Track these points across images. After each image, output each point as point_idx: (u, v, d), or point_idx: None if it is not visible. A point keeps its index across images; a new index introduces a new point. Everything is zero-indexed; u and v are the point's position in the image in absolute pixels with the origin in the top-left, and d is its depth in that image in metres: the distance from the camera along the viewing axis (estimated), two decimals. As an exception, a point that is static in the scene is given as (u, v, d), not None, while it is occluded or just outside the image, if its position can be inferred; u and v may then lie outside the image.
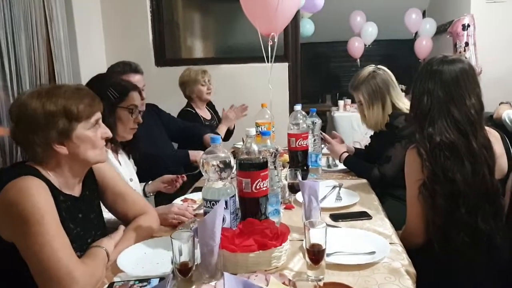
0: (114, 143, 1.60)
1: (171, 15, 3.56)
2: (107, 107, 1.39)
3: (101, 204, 1.29)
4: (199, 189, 1.77)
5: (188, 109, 2.79)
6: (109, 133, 1.18)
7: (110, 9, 3.31)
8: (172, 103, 2.88)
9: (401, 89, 1.98)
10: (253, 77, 3.16)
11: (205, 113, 2.86)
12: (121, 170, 1.60)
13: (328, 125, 4.62)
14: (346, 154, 1.98)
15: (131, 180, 1.65)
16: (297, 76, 3.23)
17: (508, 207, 1.42)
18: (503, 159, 1.39)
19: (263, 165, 1.20)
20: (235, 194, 1.18)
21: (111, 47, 3.32)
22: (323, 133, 2.07)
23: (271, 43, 2.11)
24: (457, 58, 1.39)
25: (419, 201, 1.35)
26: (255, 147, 1.24)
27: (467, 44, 3.87)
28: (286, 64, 3.22)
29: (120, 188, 1.30)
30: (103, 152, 1.17)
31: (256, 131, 2.04)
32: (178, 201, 1.60)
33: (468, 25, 3.86)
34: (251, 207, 1.21)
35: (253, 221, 1.16)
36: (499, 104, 2.49)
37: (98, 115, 1.15)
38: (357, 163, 1.95)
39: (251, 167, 1.19)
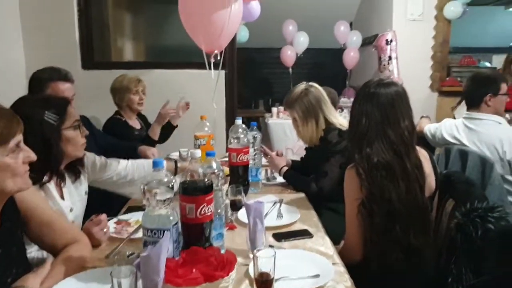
0: (59, 176, 1.42)
1: (101, 14, 3.32)
2: (51, 134, 1.30)
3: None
4: (133, 209, 1.67)
5: (117, 116, 2.63)
6: (32, 156, 1.04)
7: (30, 2, 2.99)
8: (99, 110, 2.69)
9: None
10: (191, 84, 3.07)
11: (134, 123, 2.70)
12: (62, 204, 1.44)
13: (261, 132, 4.68)
14: (286, 168, 2.01)
15: (71, 210, 1.48)
16: (234, 84, 3.21)
17: (434, 223, 1.54)
18: (431, 178, 1.49)
19: (208, 189, 1.16)
20: (177, 221, 1.12)
21: (30, 45, 3.00)
22: (264, 147, 2.07)
23: (214, 60, 2.06)
24: (392, 81, 1.47)
25: (358, 219, 1.41)
26: (199, 170, 1.19)
27: (390, 58, 4.14)
28: (223, 72, 3.18)
29: (47, 217, 1.16)
30: (25, 178, 1.03)
31: (195, 145, 2.00)
32: (111, 223, 1.49)
33: (391, 40, 4.13)
34: (195, 233, 1.15)
35: (197, 249, 1.11)
36: (420, 118, 2.68)
37: (19, 137, 1.01)
38: (296, 177, 1.98)
39: (196, 191, 1.14)
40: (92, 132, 2.27)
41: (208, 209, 1.15)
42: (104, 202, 1.72)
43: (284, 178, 2.01)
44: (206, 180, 1.18)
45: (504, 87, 2.11)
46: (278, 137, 4.17)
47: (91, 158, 1.66)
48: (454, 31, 4.70)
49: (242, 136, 1.76)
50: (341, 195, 1.49)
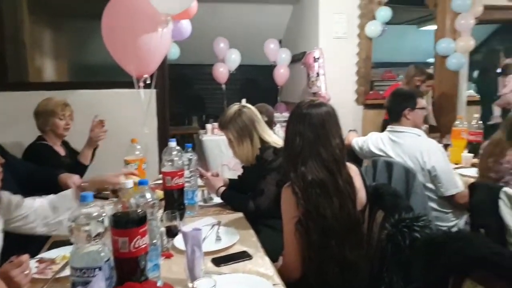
0: None
1: (16, 30, 3.07)
2: None
3: None
4: (57, 244, 1.54)
5: (43, 142, 2.43)
6: None
7: None
8: (16, 135, 2.47)
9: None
10: (119, 104, 2.93)
11: (59, 149, 2.52)
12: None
13: (196, 149, 4.60)
14: (223, 188, 1.99)
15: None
16: (166, 103, 3.13)
17: (366, 234, 1.61)
18: (362, 192, 1.55)
19: (142, 220, 1.10)
20: (110, 257, 1.05)
21: None
22: (200, 168, 2.04)
23: (143, 84, 1.99)
24: (322, 102, 1.53)
25: (296, 237, 1.43)
26: (132, 200, 1.13)
27: (318, 74, 4.33)
28: (154, 91, 3.10)
29: None
30: None
31: (126, 170, 1.90)
32: (32, 262, 1.35)
33: (318, 57, 4.33)
34: (129, 268, 1.08)
35: (133, 285, 1.04)
36: (348, 132, 2.82)
37: None
38: (233, 197, 1.97)
39: (129, 223, 1.08)
40: (8, 160, 2.07)
41: (143, 241, 1.09)
42: (24, 240, 1.55)
43: (221, 199, 1.99)
44: (139, 211, 1.12)
45: (420, 102, 2.30)
46: (214, 153, 4.14)
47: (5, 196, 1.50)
48: (375, 48, 5.06)
49: (176, 158, 1.71)
50: (278, 212, 1.51)
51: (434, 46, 4.81)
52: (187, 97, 6.75)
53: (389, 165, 2.25)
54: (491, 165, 2.16)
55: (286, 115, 4.50)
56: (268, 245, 1.56)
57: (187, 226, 1.63)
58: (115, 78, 2.94)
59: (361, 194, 1.54)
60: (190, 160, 1.87)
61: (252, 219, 1.84)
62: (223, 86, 5.11)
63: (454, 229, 2.24)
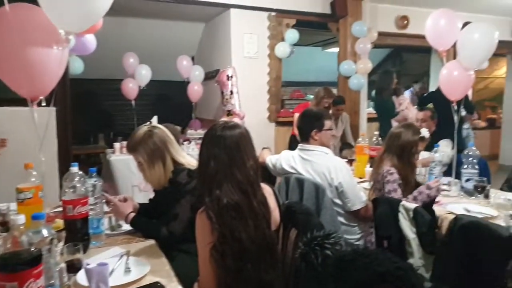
0: None
1: None
2: None
3: None
4: None
5: None
6: None
7: None
8: None
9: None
10: (11, 124, 2.62)
11: None
12: None
13: (103, 169, 4.28)
14: (132, 215, 1.86)
15: None
16: (67, 122, 2.88)
17: (281, 253, 1.62)
18: (276, 212, 1.57)
19: (36, 260, 0.97)
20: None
21: None
22: (106, 194, 1.88)
23: (36, 107, 1.79)
24: (236, 124, 1.52)
25: (211, 263, 1.38)
26: (23, 238, 0.99)
27: (232, 92, 4.38)
28: (53, 109, 2.83)
29: None
30: None
31: (18, 199, 1.69)
32: None
33: (232, 76, 4.38)
34: (19, 318, 0.94)
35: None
36: (262, 149, 2.87)
37: None
38: (144, 224, 1.85)
39: (19, 265, 0.94)
40: None
41: (37, 284, 0.96)
42: None
43: (131, 226, 1.86)
44: (33, 249, 0.98)
45: (328, 123, 2.42)
46: (123, 174, 3.88)
47: None
48: (285, 67, 5.29)
49: (79, 185, 1.57)
50: (193, 235, 1.45)
51: (337, 67, 5.19)
52: (93, 113, 6.31)
53: (301, 182, 2.32)
54: (374, 177, 2.38)
55: (201, 132, 4.46)
56: (183, 271, 1.49)
57: (92, 258, 1.50)
58: (6, 94, 2.63)
59: (275, 214, 1.55)
60: (94, 186, 1.73)
61: (165, 246, 1.75)
62: (133, 102, 4.89)
63: (361, 241, 2.39)
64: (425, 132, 2.21)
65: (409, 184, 2.27)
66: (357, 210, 2.30)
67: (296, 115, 4.21)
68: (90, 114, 6.19)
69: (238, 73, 4.46)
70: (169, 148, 1.89)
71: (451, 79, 2.69)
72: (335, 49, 5.57)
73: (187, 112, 5.41)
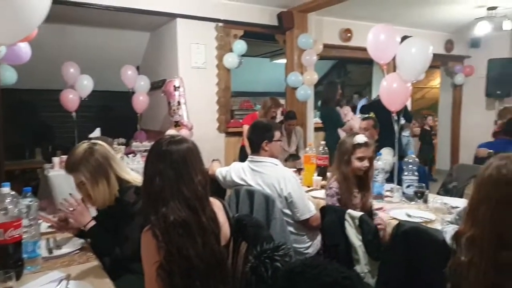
0: None
1: None
2: None
3: None
4: None
5: None
6: None
7: None
8: None
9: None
10: None
11: None
12: None
13: (41, 186, 4.01)
14: (93, 223, 1.76)
15: None
16: (-1, 135, 2.66)
17: (232, 267, 1.60)
18: (226, 226, 1.54)
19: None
20: None
21: None
22: (42, 213, 1.75)
23: None
24: (182, 138, 1.48)
25: (158, 282, 1.33)
26: None
27: (179, 103, 4.30)
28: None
29: None
30: None
31: None
32: None
33: (179, 86, 4.31)
34: None
35: None
36: (211, 161, 2.83)
37: None
38: (102, 236, 1.76)
39: None
40: None
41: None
42: None
43: (88, 234, 1.75)
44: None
45: (277, 134, 2.45)
46: (63, 190, 3.62)
47: None
48: (234, 78, 5.31)
49: (11, 206, 1.44)
50: (140, 255, 1.39)
51: (285, 78, 5.29)
52: (28, 126, 5.89)
53: (251, 194, 2.32)
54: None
55: (147, 144, 4.33)
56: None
57: (26, 286, 1.39)
58: None
59: (225, 229, 1.53)
60: (29, 206, 1.60)
61: (112, 264, 1.67)
62: (74, 114, 4.64)
63: (310, 250, 2.42)
64: (359, 138, 2.18)
65: (349, 198, 2.22)
66: (306, 219, 2.34)
67: (245, 126, 4.23)
68: (25, 126, 5.79)
69: (185, 83, 4.40)
70: (112, 164, 1.80)
71: (390, 90, 2.83)
72: (283, 61, 5.68)
73: (132, 124, 5.24)
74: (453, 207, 2.36)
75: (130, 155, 4.15)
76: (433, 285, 1.61)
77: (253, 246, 1.53)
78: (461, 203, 2.54)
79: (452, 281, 1.37)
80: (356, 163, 2.18)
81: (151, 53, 5.61)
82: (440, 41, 6.88)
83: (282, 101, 5.64)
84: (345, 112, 5.19)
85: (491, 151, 3.59)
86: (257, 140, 2.41)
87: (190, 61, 4.67)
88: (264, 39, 5.82)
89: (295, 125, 4.60)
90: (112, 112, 6.46)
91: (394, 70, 3.02)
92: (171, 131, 4.27)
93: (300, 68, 5.17)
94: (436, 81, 8.97)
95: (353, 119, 5.10)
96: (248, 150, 3.98)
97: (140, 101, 4.90)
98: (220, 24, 4.78)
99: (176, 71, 4.60)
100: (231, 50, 4.86)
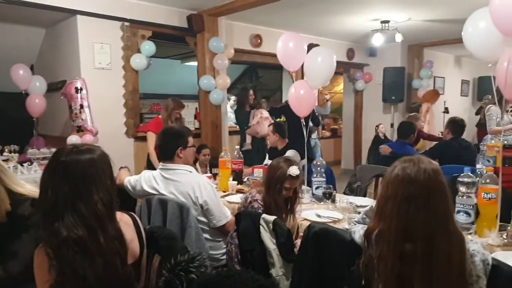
0: None
1: None
2: None
3: None
4: None
5: None
6: None
7: None
8: None
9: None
10: None
11: None
12: None
13: None
14: None
15: None
16: None
17: (146, 282, 1.51)
18: (135, 242, 1.44)
19: None
20: None
21: None
22: None
23: None
24: (88, 148, 1.35)
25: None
26: None
27: (82, 106, 3.98)
28: None
29: None
30: None
31: None
32: None
33: (81, 88, 3.99)
34: None
35: None
36: (119, 169, 2.66)
37: None
38: None
39: None
40: None
41: None
42: None
43: None
44: None
45: (191, 140, 2.39)
46: None
47: None
48: (144, 80, 5.08)
49: None
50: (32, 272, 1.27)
51: (197, 82, 5.21)
52: None
53: (164, 203, 2.22)
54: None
55: (45, 151, 3.94)
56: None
57: None
58: None
59: (134, 245, 1.43)
60: None
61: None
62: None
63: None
64: (293, 171, 2.20)
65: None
66: (222, 225, 2.31)
67: (149, 133, 4.03)
68: None
69: (89, 85, 4.08)
70: (2, 177, 1.59)
71: (298, 97, 2.93)
72: (194, 63, 5.60)
73: (27, 129, 4.71)
74: (358, 206, 2.53)
75: (25, 164, 3.73)
76: (341, 282, 1.70)
77: (166, 259, 1.45)
78: (364, 201, 2.74)
79: (366, 277, 1.45)
80: (283, 191, 2.24)
81: (48, 51, 5.10)
82: (342, 49, 7.40)
83: (195, 104, 5.57)
84: (254, 115, 5.24)
85: (390, 150, 3.95)
86: (170, 147, 2.32)
87: (93, 61, 4.35)
88: (174, 41, 5.68)
89: (209, 155, 4.38)
90: (3, 116, 5.75)
91: (302, 77, 3.15)
92: (73, 137, 3.93)
93: (212, 71, 5.15)
94: (340, 86, 9.64)
95: (259, 123, 5.13)
96: (153, 157, 3.90)
97: (36, 104, 4.41)
98: (126, 23, 4.54)
99: (77, 72, 4.25)
100: (139, 51, 4.64)
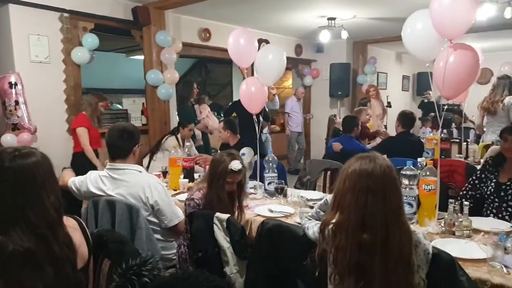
0: None
1: None
2: None
3: None
4: None
5: None
6: None
7: None
8: None
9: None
10: None
11: None
12: None
13: None
14: None
15: None
16: None
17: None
18: (83, 247, 1.38)
19: None
20: None
21: None
22: None
23: None
24: (30, 151, 1.26)
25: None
26: None
27: (17, 102, 3.69)
28: None
29: None
30: None
31: None
32: None
33: (16, 83, 3.70)
34: None
35: None
36: (62, 170, 2.51)
37: None
38: None
39: None
40: None
41: None
42: None
43: None
44: None
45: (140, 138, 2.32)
46: None
47: None
48: (86, 74, 4.82)
49: None
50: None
51: (144, 76, 5.05)
52: None
53: (112, 205, 2.14)
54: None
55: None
56: None
57: None
58: None
59: (82, 250, 1.37)
60: None
61: None
62: None
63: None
64: (235, 165, 2.17)
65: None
66: (174, 225, 2.26)
67: (81, 129, 3.88)
68: None
69: (24, 80, 3.80)
70: None
71: (250, 94, 2.94)
72: (140, 57, 5.41)
73: None
74: (308, 200, 2.60)
75: None
76: (295, 277, 1.74)
77: (117, 264, 1.40)
78: (314, 195, 2.82)
79: (319, 270, 1.49)
80: (225, 186, 2.20)
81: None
82: (291, 45, 7.50)
83: (142, 99, 5.38)
84: (201, 109, 5.20)
85: (341, 146, 4.06)
86: (126, 146, 2.22)
87: (29, 54, 4.04)
88: (119, 34, 5.45)
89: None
90: None
91: (253, 74, 3.15)
92: (7, 136, 3.66)
93: (160, 66, 5.01)
94: (289, 81, 9.78)
95: (209, 117, 5.12)
96: (90, 154, 3.81)
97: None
98: (66, 14, 4.26)
99: (11, 66, 3.93)
100: (80, 44, 4.40)
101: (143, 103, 5.34)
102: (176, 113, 5.32)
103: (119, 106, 6.16)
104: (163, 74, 4.98)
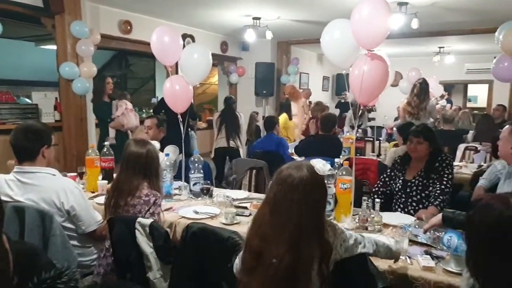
0: None
1: None
2: None
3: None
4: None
5: None
6: None
7: None
8: None
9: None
10: None
11: None
12: None
13: None
14: None
15: None
16: None
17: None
18: None
19: None
20: None
21: None
22: None
23: None
24: None
25: None
26: None
27: None
28: None
29: None
30: None
31: None
32: None
33: None
34: None
35: None
36: None
37: None
38: None
39: None
40: None
41: None
42: None
43: None
44: None
45: (53, 138, 2.13)
46: None
47: None
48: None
49: None
50: None
51: (57, 68, 4.67)
52: None
53: (20, 211, 1.95)
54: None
55: None
56: None
57: None
58: None
59: None
60: None
61: None
62: None
63: (99, 261, 2.23)
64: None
65: None
66: (93, 230, 2.14)
67: None
68: None
69: None
70: None
71: (174, 93, 2.85)
72: (52, 47, 4.98)
73: None
74: (234, 199, 2.62)
75: None
76: (220, 279, 1.75)
77: (28, 278, 1.29)
78: (240, 194, 2.86)
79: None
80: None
81: None
82: (217, 41, 7.47)
83: (55, 94, 4.95)
84: (119, 106, 4.83)
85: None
86: (34, 146, 2.03)
87: None
88: (27, 21, 4.97)
89: None
90: None
91: (177, 72, 3.07)
92: None
93: (75, 58, 4.66)
94: (215, 78, 9.73)
95: (125, 115, 4.76)
96: None
97: None
98: (-37, -5, 3.80)
99: None
100: (-20, 30, 3.93)
101: (56, 98, 4.93)
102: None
103: (28, 100, 5.60)
104: (79, 67, 4.65)
